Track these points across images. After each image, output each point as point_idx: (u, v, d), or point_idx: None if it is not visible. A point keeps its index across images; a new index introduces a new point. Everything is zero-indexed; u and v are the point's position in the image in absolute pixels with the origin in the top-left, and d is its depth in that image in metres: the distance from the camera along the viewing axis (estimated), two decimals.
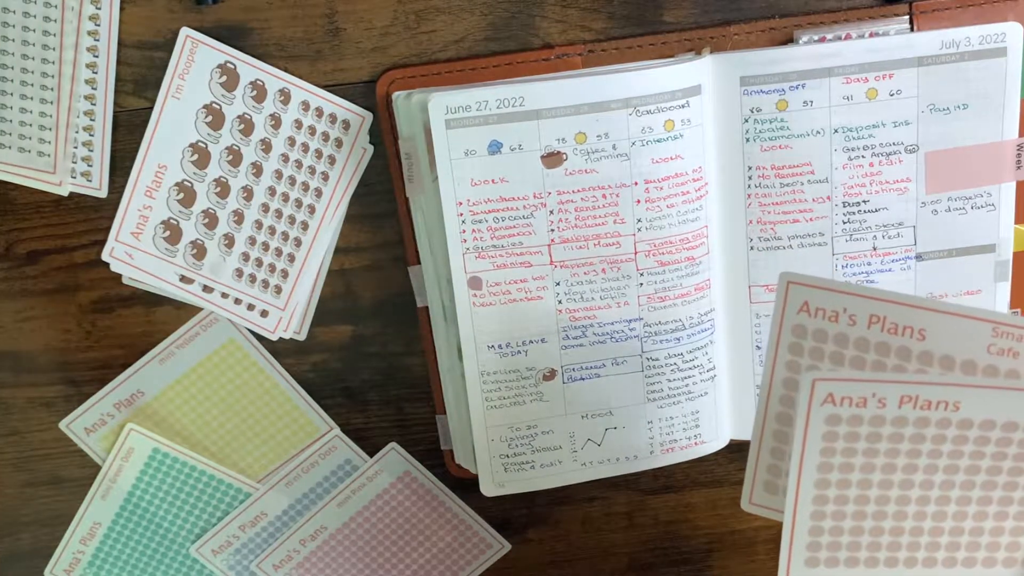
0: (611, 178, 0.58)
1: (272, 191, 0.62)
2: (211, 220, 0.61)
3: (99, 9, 0.58)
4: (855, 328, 0.48)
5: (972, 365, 0.47)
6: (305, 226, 0.62)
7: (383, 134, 0.61)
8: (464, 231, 0.59)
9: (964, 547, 0.49)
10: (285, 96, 0.60)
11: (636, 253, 0.60)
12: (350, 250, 0.64)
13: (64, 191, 0.61)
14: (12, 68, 0.59)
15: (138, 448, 0.66)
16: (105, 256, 0.61)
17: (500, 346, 0.61)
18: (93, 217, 0.62)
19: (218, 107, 0.60)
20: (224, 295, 0.63)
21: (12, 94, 0.59)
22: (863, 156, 0.60)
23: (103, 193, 0.61)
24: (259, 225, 0.62)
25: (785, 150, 0.60)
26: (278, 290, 0.63)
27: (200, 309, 0.63)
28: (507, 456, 0.63)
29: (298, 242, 0.63)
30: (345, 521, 0.69)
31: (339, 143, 0.62)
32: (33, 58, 0.59)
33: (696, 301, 0.62)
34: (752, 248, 0.62)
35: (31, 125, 0.60)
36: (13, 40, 0.58)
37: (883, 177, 0.61)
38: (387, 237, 0.64)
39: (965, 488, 0.47)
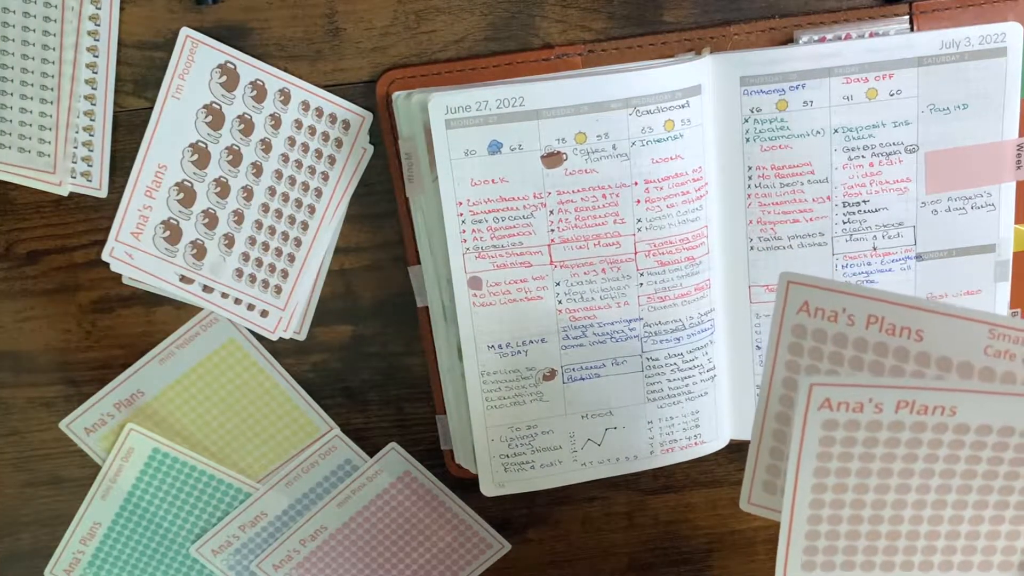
0: (611, 178, 0.58)
1: (272, 191, 0.62)
2: (211, 220, 0.61)
3: (99, 9, 0.58)
4: (854, 328, 0.48)
5: (969, 367, 0.47)
6: (305, 226, 0.62)
7: (383, 134, 0.61)
8: (464, 231, 0.59)
9: (960, 551, 0.49)
10: (285, 96, 0.60)
11: (636, 253, 0.60)
12: (350, 250, 0.64)
13: (64, 191, 0.61)
14: (12, 68, 0.59)
15: (138, 448, 0.66)
16: (105, 256, 0.61)
17: (500, 346, 0.61)
18: (93, 217, 0.62)
19: (218, 107, 0.60)
20: (224, 295, 0.63)
21: (12, 94, 0.59)
22: (863, 156, 0.60)
23: (103, 193, 0.61)
24: (259, 225, 0.62)
25: (785, 150, 0.60)
26: (278, 290, 0.63)
27: (200, 309, 0.63)
28: (507, 456, 0.63)
29: (298, 242, 0.63)
30: (345, 521, 0.69)
31: (339, 143, 0.62)
32: (33, 58, 0.59)
33: (696, 301, 0.62)
34: (752, 248, 0.62)
35: (31, 125, 0.60)
36: (13, 40, 0.58)
37: (883, 177, 0.61)
38: (387, 237, 0.64)
39: (961, 492, 0.47)
